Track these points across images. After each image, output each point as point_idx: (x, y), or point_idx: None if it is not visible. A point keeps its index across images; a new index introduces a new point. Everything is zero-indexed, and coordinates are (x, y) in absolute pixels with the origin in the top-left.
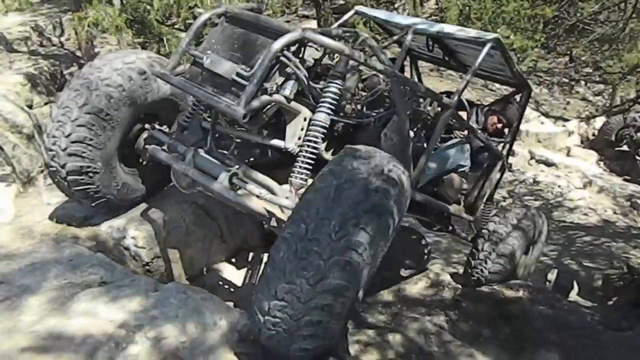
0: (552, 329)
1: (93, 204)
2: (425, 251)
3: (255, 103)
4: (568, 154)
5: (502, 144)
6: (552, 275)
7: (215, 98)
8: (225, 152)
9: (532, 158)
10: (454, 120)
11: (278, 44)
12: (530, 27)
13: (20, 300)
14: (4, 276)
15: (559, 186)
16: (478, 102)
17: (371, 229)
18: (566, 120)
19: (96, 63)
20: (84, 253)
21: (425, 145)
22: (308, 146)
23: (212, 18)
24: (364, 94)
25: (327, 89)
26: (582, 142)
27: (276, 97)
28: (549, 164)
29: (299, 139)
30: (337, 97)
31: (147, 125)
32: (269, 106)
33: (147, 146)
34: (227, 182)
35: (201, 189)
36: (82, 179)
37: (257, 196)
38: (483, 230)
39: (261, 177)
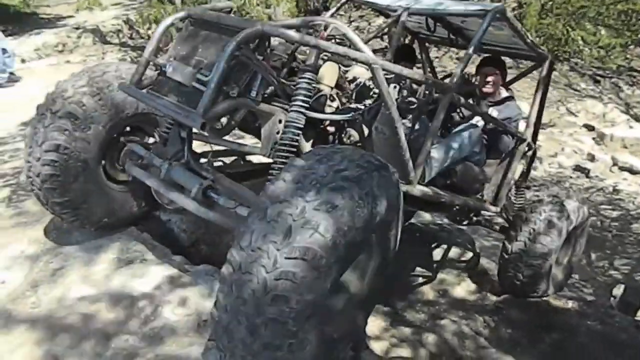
0: (598, 345)
1: (72, 220)
2: (471, 251)
3: (217, 109)
4: None
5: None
6: (617, 291)
7: (174, 108)
8: (203, 162)
9: (614, 164)
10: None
11: (233, 43)
12: (621, 23)
13: (79, 269)
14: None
15: None
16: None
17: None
18: None
19: (76, 74)
20: (131, 233)
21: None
22: (282, 150)
23: (174, 23)
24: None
25: (299, 85)
26: None
27: (240, 100)
28: (633, 171)
29: (275, 143)
30: (310, 93)
31: (122, 139)
32: (238, 111)
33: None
34: (199, 195)
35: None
36: (57, 190)
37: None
38: (515, 221)
39: (237, 188)
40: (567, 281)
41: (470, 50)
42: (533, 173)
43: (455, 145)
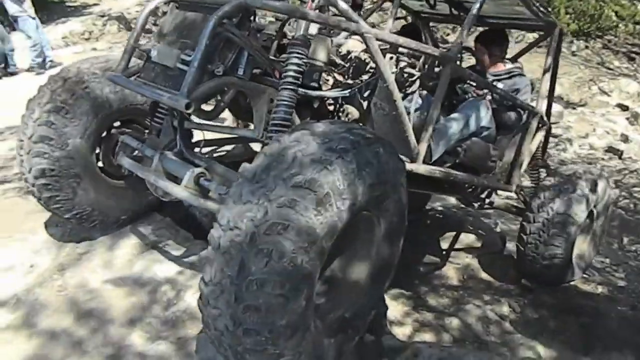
0: (628, 331)
1: (68, 216)
2: (497, 234)
3: (202, 89)
4: None
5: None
6: None
7: (159, 91)
8: (197, 150)
9: None
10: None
11: (214, 18)
12: None
13: (103, 254)
14: None
15: None
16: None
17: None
18: None
19: (67, 65)
20: (154, 218)
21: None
22: (274, 131)
23: (159, 7)
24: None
25: (288, 61)
26: None
27: (226, 78)
28: None
29: (267, 123)
30: (301, 68)
31: (113, 131)
32: (225, 90)
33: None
34: (191, 183)
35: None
36: (49, 184)
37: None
38: (531, 202)
39: (231, 175)
40: (588, 266)
41: (469, 21)
42: (563, 155)
43: (461, 120)
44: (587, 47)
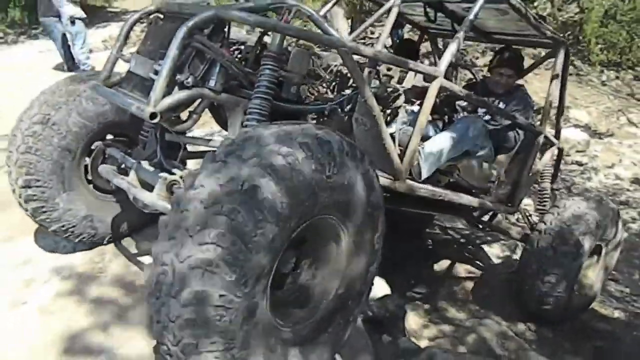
0: None
1: (54, 228)
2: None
3: (169, 100)
4: None
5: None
6: None
7: (130, 101)
8: (175, 161)
9: None
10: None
11: (184, 29)
12: None
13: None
14: None
15: None
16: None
17: None
18: None
19: (62, 79)
20: None
21: (437, 128)
22: None
23: (142, 18)
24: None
25: (261, 72)
26: None
27: (197, 90)
28: None
29: None
30: (274, 80)
31: (96, 143)
32: (199, 102)
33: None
34: (164, 191)
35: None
36: (34, 195)
37: None
38: (536, 227)
39: None
40: (590, 304)
41: (459, 35)
42: (588, 184)
43: (453, 138)
44: (617, 77)
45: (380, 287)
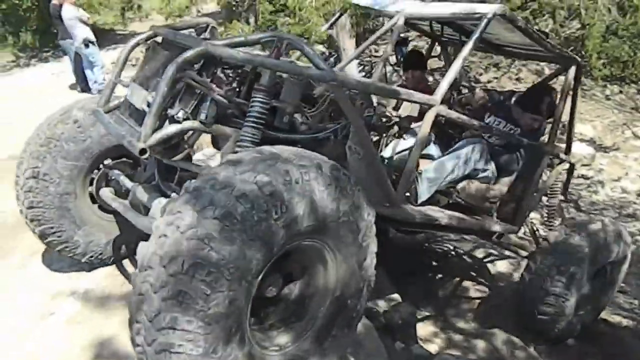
0: None
1: (59, 249)
2: None
3: (159, 135)
4: None
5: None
6: None
7: (121, 133)
8: (172, 183)
9: None
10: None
11: (174, 65)
12: None
13: None
14: None
15: None
16: (517, 90)
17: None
18: None
19: (68, 104)
20: None
21: (439, 152)
22: None
23: (140, 43)
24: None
25: (251, 105)
26: None
27: (188, 123)
28: None
29: None
30: (265, 111)
31: (101, 166)
32: (191, 134)
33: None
34: (157, 214)
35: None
36: (39, 217)
37: None
38: (541, 246)
39: None
40: (593, 323)
41: (458, 61)
42: (594, 197)
43: (451, 163)
44: (620, 91)
45: (392, 296)
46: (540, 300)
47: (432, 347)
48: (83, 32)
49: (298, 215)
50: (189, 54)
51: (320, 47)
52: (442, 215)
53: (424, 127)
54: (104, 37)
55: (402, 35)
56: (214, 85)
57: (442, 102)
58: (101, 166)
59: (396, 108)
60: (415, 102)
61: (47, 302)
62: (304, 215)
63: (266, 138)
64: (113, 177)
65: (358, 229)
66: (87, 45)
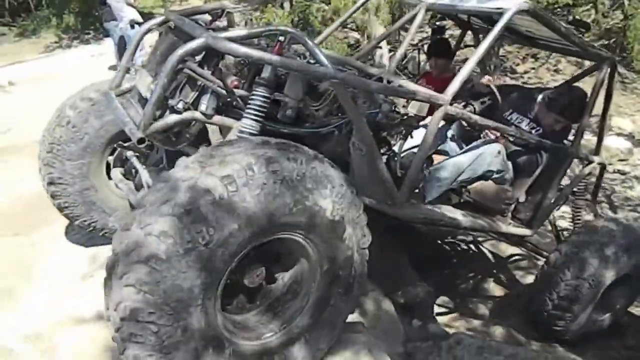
0: None
1: (77, 223)
2: None
3: (159, 124)
4: None
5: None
6: None
7: (126, 120)
8: None
9: None
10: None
11: (175, 56)
12: None
13: None
14: None
15: None
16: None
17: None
18: None
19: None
20: None
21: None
22: None
23: (152, 28)
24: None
25: (251, 99)
26: None
27: (188, 114)
28: None
29: None
30: (265, 104)
31: (117, 146)
32: (193, 123)
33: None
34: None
35: None
36: (57, 191)
37: None
38: (560, 247)
39: None
40: (609, 327)
41: (473, 59)
42: (629, 192)
43: (463, 165)
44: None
45: (411, 276)
46: (547, 302)
47: (449, 330)
48: (130, 13)
49: (233, 230)
50: (189, 46)
51: (355, 35)
52: (448, 215)
53: (431, 127)
54: (144, 20)
55: (437, 23)
56: (214, 77)
57: (456, 97)
58: (116, 146)
59: (408, 104)
60: (421, 100)
61: (87, 264)
62: (240, 226)
63: (268, 131)
64: (125, 157)
65: (322, 208)
66: (132, 27)
